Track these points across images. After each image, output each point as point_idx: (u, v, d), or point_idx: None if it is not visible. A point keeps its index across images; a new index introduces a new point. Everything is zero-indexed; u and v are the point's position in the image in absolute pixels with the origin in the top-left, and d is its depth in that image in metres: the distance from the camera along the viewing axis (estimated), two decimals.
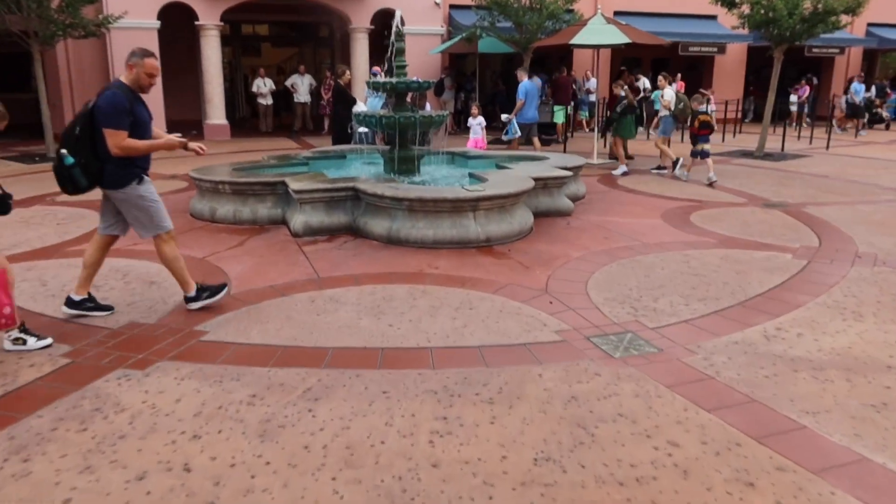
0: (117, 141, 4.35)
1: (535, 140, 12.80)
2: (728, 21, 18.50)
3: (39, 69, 13.43)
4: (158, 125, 16.85)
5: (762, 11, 12.49)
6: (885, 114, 21.01)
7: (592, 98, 18.99)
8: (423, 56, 18.16)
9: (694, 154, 10.78)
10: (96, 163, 4.40)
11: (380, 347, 4.24)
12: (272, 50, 23.05)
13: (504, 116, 12.89)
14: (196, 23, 16.48)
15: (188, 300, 4.84)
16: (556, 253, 6.37)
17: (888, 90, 25.02)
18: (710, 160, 10.57)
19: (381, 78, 9.12)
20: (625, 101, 11.65)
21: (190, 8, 16.31)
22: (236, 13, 17.51)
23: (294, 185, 6.88)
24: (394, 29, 8.31)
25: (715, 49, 20.81)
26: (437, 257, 6.19)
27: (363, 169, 9.16)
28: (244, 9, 17.37)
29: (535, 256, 6.25)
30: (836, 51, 22.85)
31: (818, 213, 8.30)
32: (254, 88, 18.59)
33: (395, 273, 5.75)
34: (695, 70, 23.26)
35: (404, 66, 8.33)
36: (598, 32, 11.96)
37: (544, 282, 5.54)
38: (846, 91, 21.27)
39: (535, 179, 7.50)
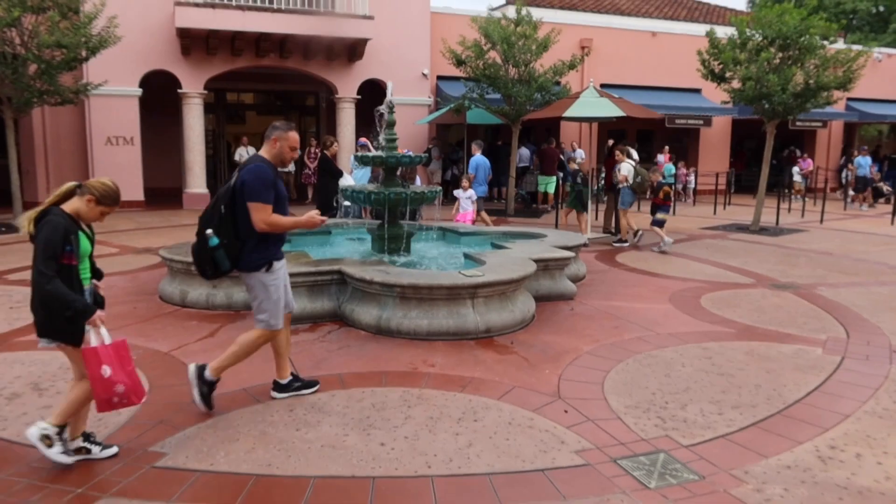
0: (264, 216, 4.12)
1: (484, 214, 12.50)
2: (714, 95, 18.60)
3: (11, 136, 12.88)
4: (136, 193, 16.18)
5: (756, 86, 12.35)
6: (886, 188, 20.91)
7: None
8: (409, 126, 17.92)
9: (655, 223, 11.19)
10: (237, 243, 4.17)
11: (370, 477, 3.54)
12: (257, 118, 22.81)
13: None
14: (179, 90, 16.15)
15: (279, 388, 4.60)
16: (564, 346, 5.75)
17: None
18: (663, 229, 11.17)
19: (371, 150, 8.65)
20: (581, 174, 11.70)
21: (172, 75, 16.00)
22: (221, 81, 17.26)
23: None
24: (386, 101, 7.90)
25: (701, 122, 20.85)
26: (433, 352, 5.55)
27: (349, 247, 8.60)
28: (229, 77, 17.13)
29: (542, 351, 5.63)
30: (819, 124, 23.05)
31: (833, 297, 7.81)
32: (236, 157, 18.19)
33: (386, 372, 5.09)
34: (679, 143, 23.33)
35: (395, 140, 7.87)
36: (592, 105, 11.72)
37: (555, 383, 4.90)
38: (844, 165, 21.33)
39: (537, 261, 6.97)
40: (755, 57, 12.51)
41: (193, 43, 15.68)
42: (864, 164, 19.55)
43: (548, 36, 15.37)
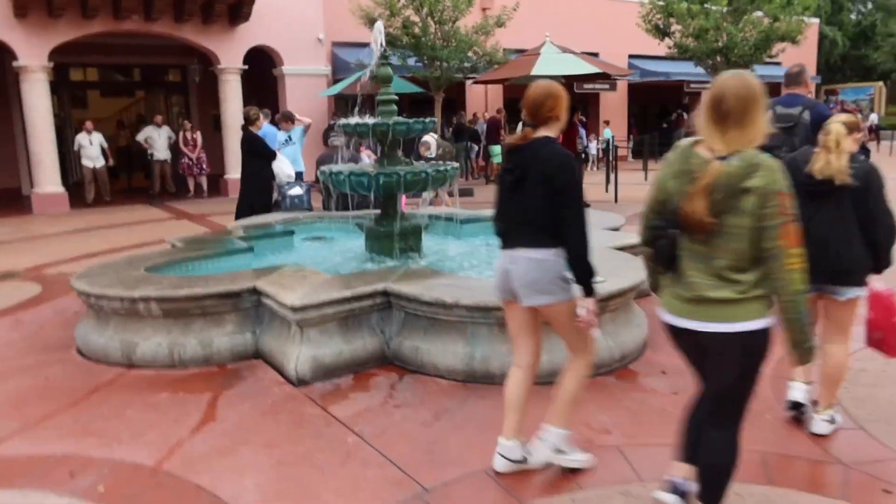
0: None
1: (443, 194, 10.96)
2: (615, 57, 17.73)
3: None
4: None
5: (715, 37, 11.38)
6: None
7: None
8: (310, 100, 15.45)
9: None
10: None
11: None
12: (108, 100, 19.11)
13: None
14: (15, 64, 12.60)
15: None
16: None
17: None
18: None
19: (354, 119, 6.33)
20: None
21: (3, 44, 12.45)
22: (65, 54, 13.71)
23: (288, 296, 4.05)
24: (376, 47, 5.77)
25: (607, 86, 20.09)
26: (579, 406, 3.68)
27: (328, 251, 6.41)
28: (75, 49, 13.68)
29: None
30: (709, 86, 23.18)
31: None
32: (75, 147, 14.30)
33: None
34: (577, 109, 22.59)
35: (392, 101, 5.78)
36: (559, 62, 10.14)
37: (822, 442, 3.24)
38: None
39: (620, 249, 5.29)
40: (709, 8, 11.54)
41: (32, 2, 12.22)
42: None
43: None
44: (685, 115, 26.52)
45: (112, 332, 4.46)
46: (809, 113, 4.53)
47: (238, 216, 7.87)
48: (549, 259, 2.78)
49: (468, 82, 14.88)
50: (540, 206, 2.77)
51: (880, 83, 40.54)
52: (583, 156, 11.27)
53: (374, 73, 5.81)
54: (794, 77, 4.76)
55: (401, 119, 5.60)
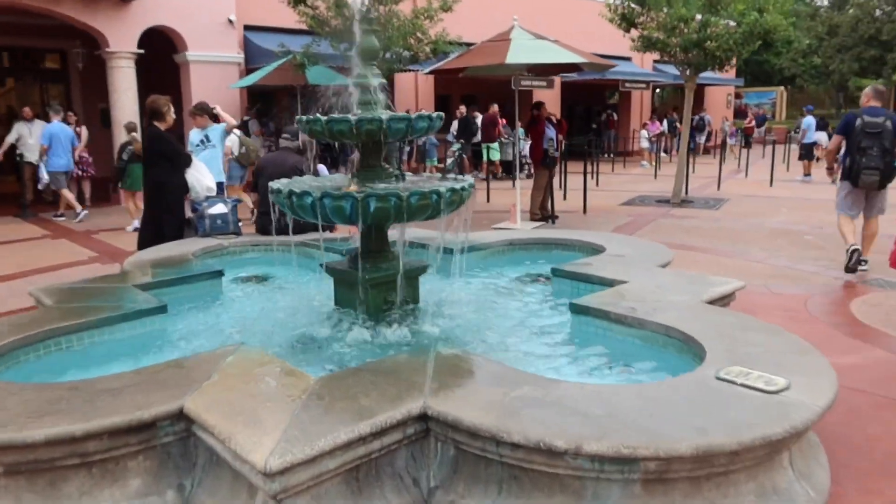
0: None
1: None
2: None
3: None
4: None
5: (698, 30, 10.11)
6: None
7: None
8: (219, 92, 13.11)
9: None
10: None
11: None
12: None
13: None
14: None
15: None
16: None
17: (678, 125, 25.64)
18: None
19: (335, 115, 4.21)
20: (131, 148, 9.62)
21: None
22: None
23: (255, 448, 2.12)
24: (357, 15, 3.88)
25: (545, 83, 18.68)
26: None
27: (281, 302, 4.47)
28: None
29: None
30: (643, 86, 22.36)
31: None
32: (11, 138, 11.65)
33: None
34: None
35: (375, 89, 3.91)
36: (535, 49, 8.52)
37: None
38: (697, 127, 20.80)
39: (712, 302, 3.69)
40: None
41: None
42: (810, 124, 16.52)
43: None
44: (615, 116, 25.79)
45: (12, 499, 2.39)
46: (891, 122, 6.24)
47: (142, 245, 5.74)
48: None
49: (419, 71, 13.07)
50: None
51: (781, 88, 41.93)
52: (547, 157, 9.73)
53: (361, 42, 3.92)
54: (880, 93, 6.55)
55: (400, 114, 3.75)
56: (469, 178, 3.99)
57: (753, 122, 27.58)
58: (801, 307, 5.52)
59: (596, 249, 5.13)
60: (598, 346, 3.50)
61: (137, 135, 9.83)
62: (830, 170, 7.78)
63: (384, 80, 3.95)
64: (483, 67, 8.97)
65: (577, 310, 3.69)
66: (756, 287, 5.93)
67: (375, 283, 3.88)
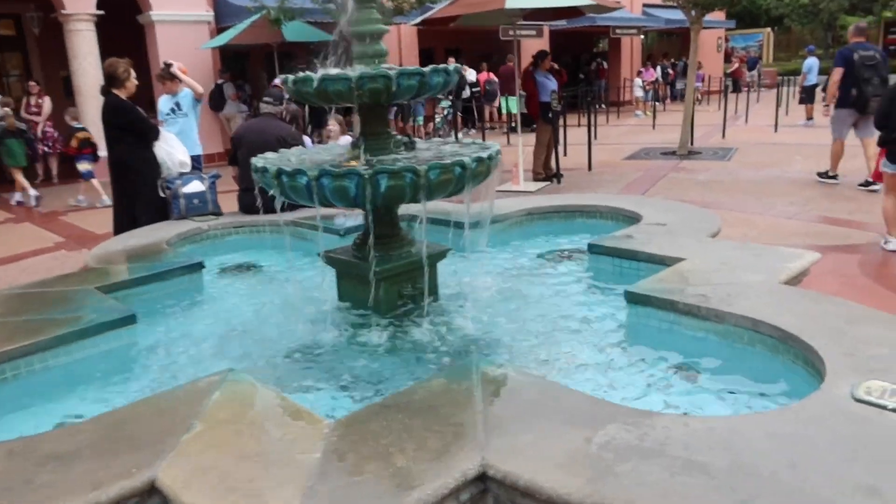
0: None
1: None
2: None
3: None
4: None
5: None
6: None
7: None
8: (189, 54, 12.14)
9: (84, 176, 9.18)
10: None
11: None
12: None
13: None
14: None
15: None
16: None
17: (670, 71, 24.81)
18: (95, 181, 9.12)
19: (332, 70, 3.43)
20: (2, 124, 9.29)
21: None
22: None
23: None
24: None
25: (534, 32, 17.79)
26: None
27: (275, 303, 3.80)
28: None
29: None
30: (635, 31, 21.45)
31: None
32: None
33: None
34: (489, 59, 20.09)
35: (378, 36, 3.18)
36: None
37: None
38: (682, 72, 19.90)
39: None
40: None
41: None
42: (812, 67, 15.25)
43: None
44: (604, 65, 24.88)
45: None
46: (880, 54, 7.42)
47: (117, 231, 5.03)
48: None
49: (406, 23, 12.14)
50: None
51: (768, 30, 41.00)
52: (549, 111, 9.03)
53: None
54: (862, 30, 7.77)
55: (412, 68, 3.03)
56: (496, 145, 3.30)
57: (739, 66, 26.62)
58: (856, 271, 4.94)
59: (629, 217, 4.48)
60: (663, 346, 2.88)
61: (9, 109, 9.60)
62: (834, 98, 7.80)
63: (386, 27, 3.22)
64: (480, 15, 8.17)
65: (634, 299, 3.05)
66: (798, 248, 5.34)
67: (387, 276, 3.22)
